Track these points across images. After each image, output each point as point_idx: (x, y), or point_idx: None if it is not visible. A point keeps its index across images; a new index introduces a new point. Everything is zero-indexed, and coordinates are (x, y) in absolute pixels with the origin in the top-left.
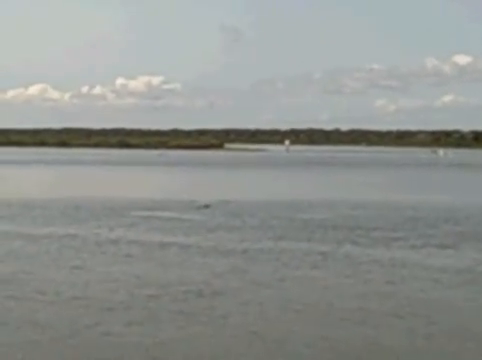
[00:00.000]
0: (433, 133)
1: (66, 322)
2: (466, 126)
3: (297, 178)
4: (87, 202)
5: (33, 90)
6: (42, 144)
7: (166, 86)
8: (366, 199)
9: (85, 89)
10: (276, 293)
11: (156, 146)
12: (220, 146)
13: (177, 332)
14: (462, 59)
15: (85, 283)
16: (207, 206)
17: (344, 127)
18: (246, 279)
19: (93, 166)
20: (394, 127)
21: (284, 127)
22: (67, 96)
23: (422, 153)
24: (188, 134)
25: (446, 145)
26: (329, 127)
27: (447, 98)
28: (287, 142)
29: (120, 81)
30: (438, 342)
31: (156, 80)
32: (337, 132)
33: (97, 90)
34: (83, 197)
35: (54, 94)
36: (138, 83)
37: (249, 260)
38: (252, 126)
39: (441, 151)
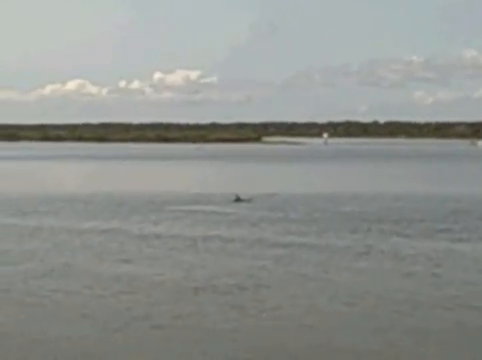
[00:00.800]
0: (472, 125)
1: (115, 315)
2: None
3: (337, 171)
4: (129, 196)
5: (71, 85)
6: (80, 139)
7: (203, 80)
8: (408, 191)
9: (123, 84)
10: (323, 285)
11: (194, 140)
12: (258, 139)
13: (226, 325)
14: None
15: (131, 277)
16: (249, 200)
17: (382, 119)
18: (292, 272)
19: (133, 161)
20: (432, 119)
21: (321, 120)
22: (105, 91)
23: (461, 145)
24: (226, 128)
25: None
26: (367, 119)
27: None
28: (325, 135)
29: (157, 75)
30: None
31: (193, 74)
32: (375, 124)
33: (135, 85)
34: (125, 191)
35: (92, 89)
36: (176, 77)
37: (294, 253)
38: (289, 119)
39: (480, 142)
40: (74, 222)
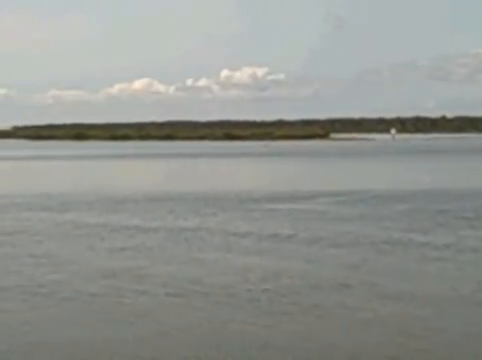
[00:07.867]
0: None
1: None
2: None
3: (417, 167)
4: (209, 195)
5: (138, 84)
6: (147, 138)
7: (271, 77)
8: None
9: (190, 82)
10: (416, 287)
11: (261, 137)
12: (326, 136)
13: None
14: None
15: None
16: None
17: (450, 114)
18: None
19: (203, 159)
20: None
21: (389, 115)
22: (172, 89)
23: None
24: (293, 124)
25: None
26: (435, 115)
27: None
28: (393, 131)
29: (225, 73)
30: None
31: (261, 71)
32: (443, 119)
33: (202, 82)
34: (203, 190)
35: (159, 87)
36: (243, 74)
37: (400, 249)
38: (357, 115)
39: None
40: (161, 221)
